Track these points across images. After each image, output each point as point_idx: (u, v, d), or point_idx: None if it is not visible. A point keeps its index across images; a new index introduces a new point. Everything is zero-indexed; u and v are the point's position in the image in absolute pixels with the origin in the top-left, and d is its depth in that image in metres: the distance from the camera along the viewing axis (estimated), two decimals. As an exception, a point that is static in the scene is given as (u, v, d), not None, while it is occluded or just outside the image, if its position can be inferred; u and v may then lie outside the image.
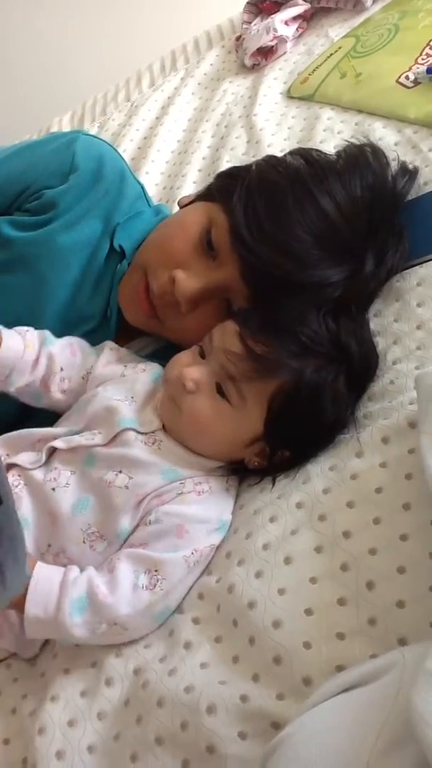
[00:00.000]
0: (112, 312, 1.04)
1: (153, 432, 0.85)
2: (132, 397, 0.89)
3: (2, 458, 0.89)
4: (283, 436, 0.82)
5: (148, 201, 1.14)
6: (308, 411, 0.81)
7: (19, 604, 0.76)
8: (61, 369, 0.93)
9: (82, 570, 0.78)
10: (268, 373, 0.80)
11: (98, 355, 0.96)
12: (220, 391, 0.82)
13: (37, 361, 0.92)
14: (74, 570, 0.78)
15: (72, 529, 0.81)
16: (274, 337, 0.81)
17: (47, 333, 0.94)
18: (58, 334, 0.98)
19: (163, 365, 0.94)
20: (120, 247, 1.04)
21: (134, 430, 0.85)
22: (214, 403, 0.82)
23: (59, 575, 0.77)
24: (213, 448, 0.85)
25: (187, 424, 0.84)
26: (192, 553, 0.78)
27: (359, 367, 0.84)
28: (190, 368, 0.84)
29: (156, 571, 0.77)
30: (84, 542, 0.81)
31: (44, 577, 0.77)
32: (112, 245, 1.05)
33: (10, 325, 0.94)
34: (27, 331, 0.92)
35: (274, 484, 0.83)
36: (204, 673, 0.70)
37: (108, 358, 0.96)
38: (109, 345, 0.98)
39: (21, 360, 0.90)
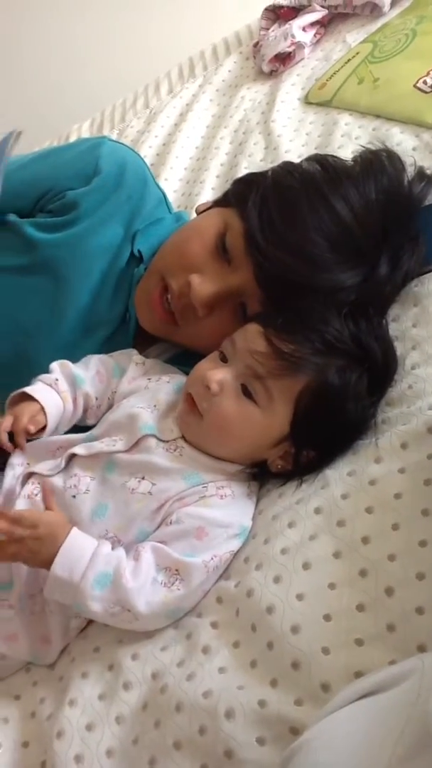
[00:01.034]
0: (131, 316, 1.04)
1: (174, 440, 0.86)
2: (155, 406, 0.89)
3: (23, 467, 0.90)
4: (309, 435, 0.82)
5: (168, 207, 1.15)
6: (334, 409, 0.81)
7: (47, 562, 0.77)
8: (96, 398, 0.95)
9: (113, 548, 0.80)
10: (295, 371, 0.80)
11: (122, 375, 0.96)
12: (245, 392, 0.82)
13: (75, 404, 0.93)
14: (107, 545, 0.79)
15: (91, 534, 0.81)
16: (298, 335, 0.82)
17: (73, 370, 0.94)
18: (78, 338, 0.99)
19: (183, 371, 0.95)
20: (139, 252, 1.05)
21: (155, 437, 0.85)
22: (240, 404, 0.82)
23: (92, 546, 0.78)
24: (238, 450, 0.84)
25: (212, 428, 0.83)
26: (212, 559, 0.79)
27: (381, 367, 0.84)
28: (213, 370, 0.84)
29: (176, 571, 0.77)
30: None
31: (77, 544, 0.78)
32: (132, 250, 1.05)
33: (31, 329, 0.95)
34: (56, 380, 0.93)
35: (300, 485, 0.82)
36: (222, 678, 0.70)
37: (133, 374, 0.96)
38: (134, 359, 0.98)
39: (64, 414, 0.92)
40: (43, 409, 0.89)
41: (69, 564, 0.76)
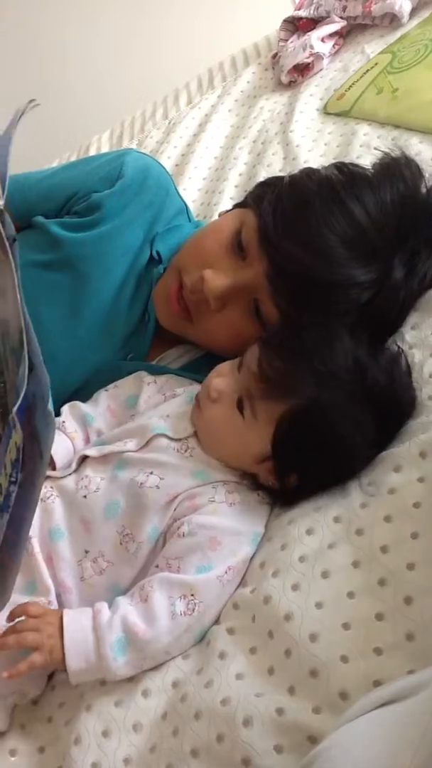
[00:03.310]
0: (150, 317, 1.05)
1: (186, 438, 0.87)
2: (167, 416, 0.90)
3: None
4: (291, 459, 0.82)
5: (189, 218, 1.17)
6: (316, 438, 0.80)
7: (59, 663, 0.76)
8: (110, 429, 0.96)
9: (110, 605, 0.78)
10: (278, 395, 0.80)
11: (137, 400, 0.96)
12: (240, 405, 0.83)
13: (87, 441, 0.94)
14: (103, 610, 0.78)
15: (107, 532, 0.83)
16: (291, 361, 0.81)
17: (83, 409, 0.96)
18: (95, 338, 1.00)
19: (197, 380, 0.96)
20: (157, 253, 1.07)
21: (166, 436, 0.87)
22: (229, 414, 0.84)
23: (89, 620, 0.77)
24: (222, 453, 0.86)
25: (203, 426, 0.86)
26: (226, 572, 0.79)
27: (386, 403, 0.82)
28: (219, 379, 0.86)
29: (192, 595, 0.77)
30: (121, 544, 0.82)
31: (75, 627, 0.76)
32: (152, 253, 1.07)
33: (50, 325, 0.97)
34: (63, 422, 0.95)
35: (287, 504, 0.83)
36: (240, 685, 0.70)
37: (149, 393, 0.97)
38: (145, 380, 0.98)
39: (75, 454, 0.93)
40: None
41: (80, 652, 0.75)
